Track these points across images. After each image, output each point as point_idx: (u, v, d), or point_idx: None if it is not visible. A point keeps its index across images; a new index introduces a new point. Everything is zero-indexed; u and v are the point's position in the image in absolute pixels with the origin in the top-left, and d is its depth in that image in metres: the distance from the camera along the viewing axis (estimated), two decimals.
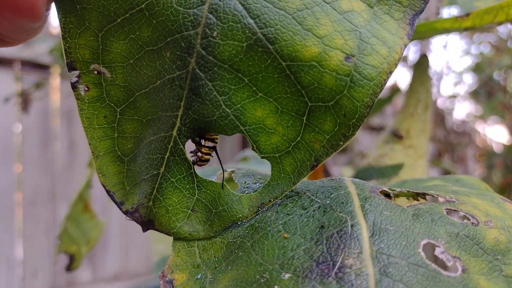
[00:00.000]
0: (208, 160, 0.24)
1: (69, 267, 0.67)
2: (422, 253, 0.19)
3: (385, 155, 0.49)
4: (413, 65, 0.51)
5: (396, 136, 0.48)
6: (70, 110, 1.48)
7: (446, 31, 0.38)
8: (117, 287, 1.56)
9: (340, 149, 0.22)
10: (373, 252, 0.19)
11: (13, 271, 1.36)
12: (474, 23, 0.35)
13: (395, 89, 0.94)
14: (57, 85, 1.48)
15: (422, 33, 0.39)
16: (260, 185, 0.25)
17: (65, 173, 1.47)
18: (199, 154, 0.24)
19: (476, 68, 2.17)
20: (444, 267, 0.19)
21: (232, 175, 0.28)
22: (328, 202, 0.23)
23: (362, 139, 2.12)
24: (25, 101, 1.18)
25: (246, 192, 0.25)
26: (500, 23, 0.35)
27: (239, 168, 0.30)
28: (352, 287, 0.18)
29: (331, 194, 0.23)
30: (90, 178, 0.67)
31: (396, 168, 0.45)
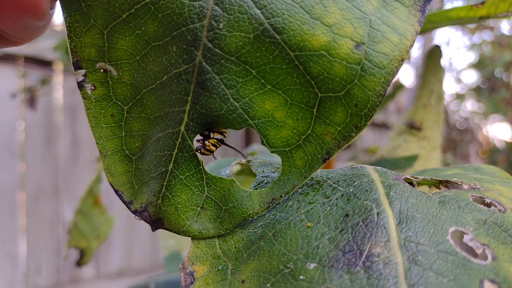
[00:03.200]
0: (211, 152, 0.24)
1: (79, 262, 0.67)
2: (451, 241, 0.19)
3: (399, 146, 0.49)
4: (425, 55, 0.50)
5: (413, 127, 0.48)
6: (74, 106, 1.49)
7: (461, 20, 0.38)
8: (121, 284, 1.55)
9: (352, 140, 0.21)
10: (401, 240, 0.19)
11: (17, 267, 1.36)
12: (489, 11, 0.34)
13: (398, 86, 0.93)
14: (60, 81, 1.48)
15: (436, 23, 0.39)
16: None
17: (68, 169, 1.47)
18: (206, 142, 0.23)
19: (479, 64, 2.16)
20: (473, 254, 0.18)
21: (249, 164, 0.27)
22: (351, 190, 0.22)
23: (365, 136, 2.12)
24: (31, 98, 1.17)
25: (265, 181, 0.24)
26: None
27: (255, 157, 0.29)
28: (381, 276, 0.17)
29: (354, 182, 0.23)
30: (99, 172, 0.66)
31: (411, 160, 0.45)
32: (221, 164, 0.30)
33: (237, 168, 0.32)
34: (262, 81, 0.21)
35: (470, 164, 0.31)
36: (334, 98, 0.21)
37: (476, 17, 0.36)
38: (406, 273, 0.17)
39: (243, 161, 0.29)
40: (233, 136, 1.79)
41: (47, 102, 1.42)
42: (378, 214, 0.20)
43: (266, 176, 0.25)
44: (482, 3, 0.34)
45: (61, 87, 1.48)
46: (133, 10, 0.22)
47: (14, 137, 1.36)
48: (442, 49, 0.51)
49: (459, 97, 2.54)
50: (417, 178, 0.23)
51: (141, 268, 1.65)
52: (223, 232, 0.23)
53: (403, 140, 0.50)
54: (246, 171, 0.36)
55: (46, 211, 1.43)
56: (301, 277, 0.18)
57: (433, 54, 0.50)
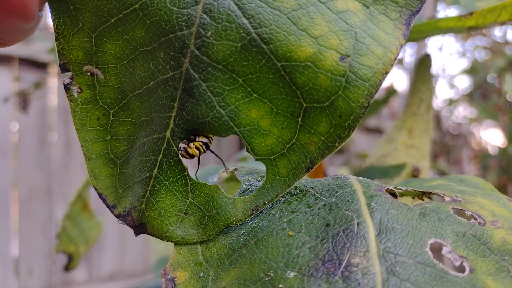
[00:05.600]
0: (193, 156, 0.23)
1: (67, 267, 0.67)
2: (430, 252, 0.19)
3: (388, 155, 0.49)
4: (415, 64, 0.51)
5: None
6: (67, 109, 1.48)
7: (450, 30, 0.38)
8: (113, 287, 1.55)
9: (336, 150, 0.21)
10: (380, 250, 0.19)
11: (8, 269, 1.34)
12: (477, 22, 0.35)
13: (391, 91, 0.94)
14: (54, 83, 1.47)
15: (425, 32, 0.39)
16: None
17: (61, 171, 1.47)
18: (191, 144, 0.23)
19: (471, 71, 2.18)
20: (451, 266, 0.19)
21: (235, 172, 0.27)
22: (333, 200, 0.22)
23: (358, 140, 2.13)
24: (24, 101, 1.17)
25: (250, 189, 0.25)
26: (503, 23, 0.35)
27: (242, 166, 0.29)
28: (359, 286, 0.18)
29: (336, 192, 0.23)
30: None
31: (399, 168, 0.45)
32: (209, 171, 0.31)
33: (225, 175, 0.32)
34: (249, 89, 0.21)
35: (456, 175, 0.32)
36: (318, 108, 0.21)
37: (464, 27, 0.37)
38: (384, 283, 0.18)
39: (231, 168, 0.29)
40: (227, 141, 1.79)
41: (41, 104, 1.41)
42: (358, 224, 0.20)
43: (251, 185, 0.25)
44: (471, 14, 0.34)
45: (55, 89, 1.47)
46: (121, 15, 0.22)
47: (7, 139, 1.35)
48: (432, 57, 0.52)
49: (452, 102, 2.56)
50: (400, 189, 0.24)
51: (133, 272, 1.65)
52: (206, 239, 0.23)
53: (392, 148, 0.50)
54: (235, 178, 0.36)
55: (39, 213, 1.42)
56: (281, 285, 0.19)
57: (423, 63, 0.50)
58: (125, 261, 1.63)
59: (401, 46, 0.21)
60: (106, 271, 1.58)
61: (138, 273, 1.65)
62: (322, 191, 0.23)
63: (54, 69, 1.42)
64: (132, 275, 1.63)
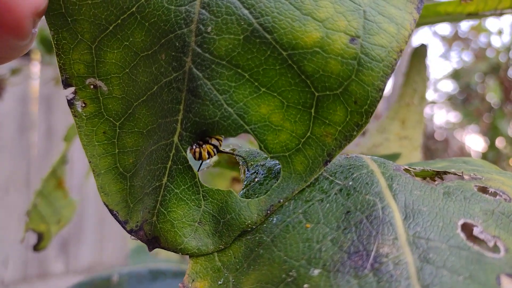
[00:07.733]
0: (201, 158, 0.22)
1: (37, 247, 0.62)
2: (462, 234, 0.17)
3: (380, 145, 0.47)
4: (410, 54, 0.49)
5: None
6: (49, 97, 1.45)
7: (449, 16, 0.37)
8: None
9: (354, 139, 0.20)
10: (409, 237, 0.17)
11: None
12: (478, 8, 0.34)
13: None
14: (36, 70, 1.44)
15: (424, 17, 0.38)
16: (271, 162, 0.23)
17: (41, 160, 1.44)
18: (204, 146, 0.21)
19: (455, 75, 2.16)
20: (484, 247, 0.17)
21: (235, 154, 0.25)
22: (350, 183, 0.20)
23: None
24: None
25: (256, 178, 0.23)
26: (503, 10, 0.34)
27: (239, 145, 0.28)
28: (392, 279, 0.16)
29: (352, 174, 0.21)
30: (65, 153, 0.62)
31: (393, 158, 0.43)
32: None
33: (215, 159, 0.30)
34: (256, 84, 0.20)
35: (458, 157, 0.30)
36: (332, 96, 0.20)
37: (464, 13, 0.36)
38: (419, 273, 0.16)
39: (227, 149, 0.27)
40: None
41: (22, 91, 1.39)
42: (382, 209, 0.18)
43: (256, 172, 0.23)
44: None
45: (37, 76, 1.45)
46: (119, 21, 0.21)
47: None
48: (428, 48, 0.50)
49: (434, 104, 2.53)
50: (415, 169, 0.22)
51: (112, 264, 1.60)
52: (223, 247, 0.21)
53: (384, 138, 0.49)
54: (223, 162, 0.34)
55: (16, 203, 1.38)
56: (306, 285, 0.17)
57: (418, 53, 0.49)
58: (103, 253, 1.59)
59: (415, 21, 0.19)
60: (84, 263, 1.54)
61: (118, 264, 1.60)
62: (336, 173, 0.22)
63: (37, 55, 1.41)
64: (111, 267, 1.58)
